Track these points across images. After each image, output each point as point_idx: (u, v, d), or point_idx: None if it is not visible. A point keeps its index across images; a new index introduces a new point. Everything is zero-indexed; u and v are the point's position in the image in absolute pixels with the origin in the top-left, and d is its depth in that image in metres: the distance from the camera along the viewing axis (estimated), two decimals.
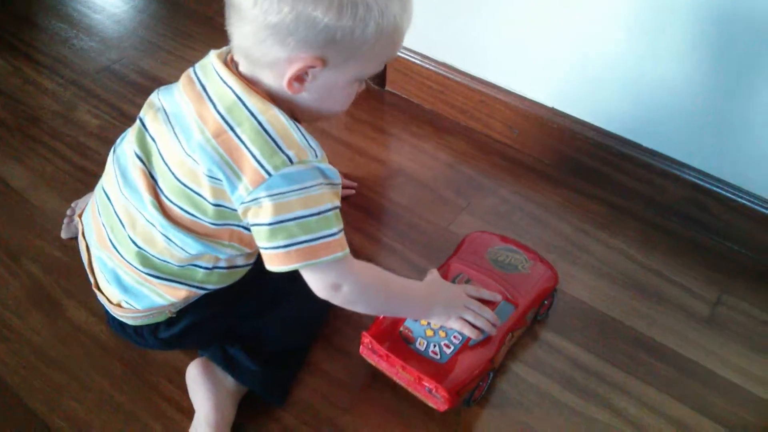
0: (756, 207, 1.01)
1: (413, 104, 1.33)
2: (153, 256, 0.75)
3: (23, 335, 0.91)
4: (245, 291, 0.82)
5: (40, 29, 1.52)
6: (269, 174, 0.66)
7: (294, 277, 0.71)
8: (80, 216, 0.87)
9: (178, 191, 0.72)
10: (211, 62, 0.73)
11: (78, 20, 1.55)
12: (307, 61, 0.66)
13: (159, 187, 0.73)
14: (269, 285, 0.82)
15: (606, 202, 1.14)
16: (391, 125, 1.30)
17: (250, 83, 0.70)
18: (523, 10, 1.09)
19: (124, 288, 0.78)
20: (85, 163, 1.18)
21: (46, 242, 1.03)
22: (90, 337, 0.91)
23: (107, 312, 0.83)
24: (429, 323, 0.83)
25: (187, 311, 0.80)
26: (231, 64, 0.72)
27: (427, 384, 0.79)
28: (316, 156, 0.69)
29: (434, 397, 0.80)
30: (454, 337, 0.82)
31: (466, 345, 0.82)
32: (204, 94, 0.71)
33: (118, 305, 0.80)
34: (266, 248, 0.69)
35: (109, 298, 0.80)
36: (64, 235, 1.04)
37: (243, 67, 0.71)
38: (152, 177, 0.74)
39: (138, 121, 0.77)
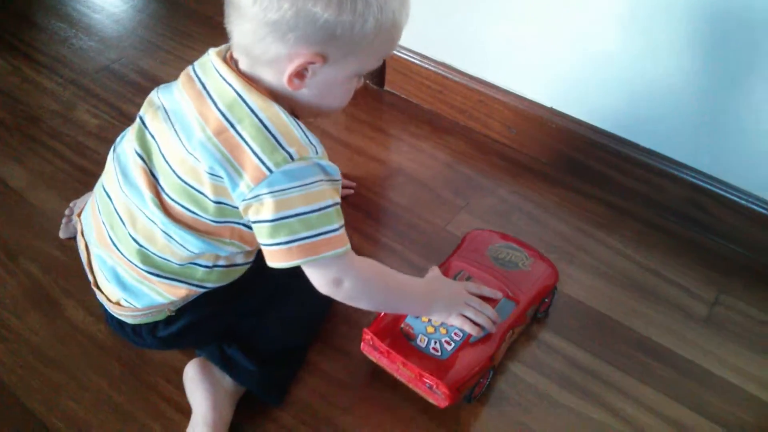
0: (754, 207, 1.02)
1: (412, 104, 1.33)
2: (153, 253, 0.75)
3: (21, 335, 0.91)
4: (245, 289, 0.82)
5: (40, 28, 1.52)
6: (270, 171, 0.67)
7: (295, 274, 0.72)
8: (79, 215, 0.88)
9: (179, 189, 0.72)
10: (210, 60, 0.73)
11: (77, 20, 1.55)
12: (307, 57, 0.67)
13: (160, 185, 0.73)
14: (269, 282, 0.82)
15: (604, 202, 1.15)
16: (389, 125, 1.30)
17: (251, 81, 0.70)
18: (522, 10, 1.09)
19: (123, 286, 0.78)
20: (84, 162, 1.18)
21: (44, 242, 1.03)
22: (88, 337, 0.91)
23: (106, 311, 0.83)
24: (430, 320, 0.84)
25: (186, 310, 0.80)
26: (231, 62, 0.72)
27: (427, 380, 0.79)
28: (317, 152, 0.69)
29: (435, 393, 0.80)
30: (455, 334, 0.82)
31: (466, 342, 0.82)
32: (204, 91, 0.71)
33: (117, 303, 0.80)
34: (268, 245, 0.69)
35: (108, 296, 0.80)
36: (62, 234, 1.04)
37: (243, 65, 0.71)
38: (153, 175, 0.74)
39: (138, 119, 0.77)
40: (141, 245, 0.75)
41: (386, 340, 0.82)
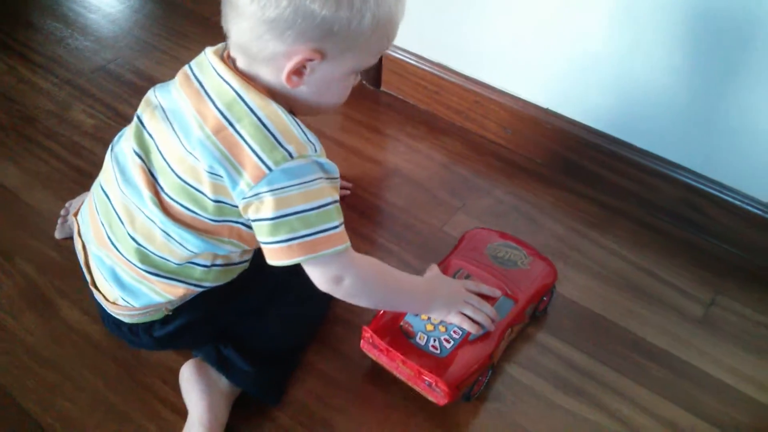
0: (749, 208, 1.02)
1: (408, 105, 1.34)
2: (152, 253, 0.75)
3: (17, 335, 0.91)
4: (244, 287, 0.82)
5: (35, 28, 1.52)
6: (270, 169, 0.67)
7: (294, 272, 0.72)
8: (75, 215, 0.87)
9: (178, 188, 0.72)
10: (207, 59, 0.73)
11: (73, 20, 1.55)
12: (305, 54, 0.67)
13: (159, 184, 0.73)
14: (269, 280, 0.82)
15: (598, 202, 1.15)
16: (386, 126, 1.30)
17: (249, 79, 0.70)
18: (518, 11, 1.09)
19: (121, 285, 0.78)
20: (80, 162, 1.17)
21: (40, 242, 1.03)
22: (84, 337, 0.91)
23: (103, 310, 0.83)
24: (429, 318, 0.84)
25: (183, 309, 0.80)
26: (228, 61, 0.72)
27: (427, 378, 0.80)
28: (315, 150, 0.70)
29: (434, 391, 0.80)
30: (454, 331, 0.83)
31: (466, 340, 0.82)
32: (202, 90, 0.71)
33: (115, 303, 0.79)
34: (268, 243, 0.70)
35: (106, 295, 0.80)
36: (58, 235, 1.04)
37: (241, 63, 0.71)
38: (152, 174, 0.74)
39: (135, 118, 0.77)
40: (140, 244, 0.75)
41: (386, 338, 0.82)
